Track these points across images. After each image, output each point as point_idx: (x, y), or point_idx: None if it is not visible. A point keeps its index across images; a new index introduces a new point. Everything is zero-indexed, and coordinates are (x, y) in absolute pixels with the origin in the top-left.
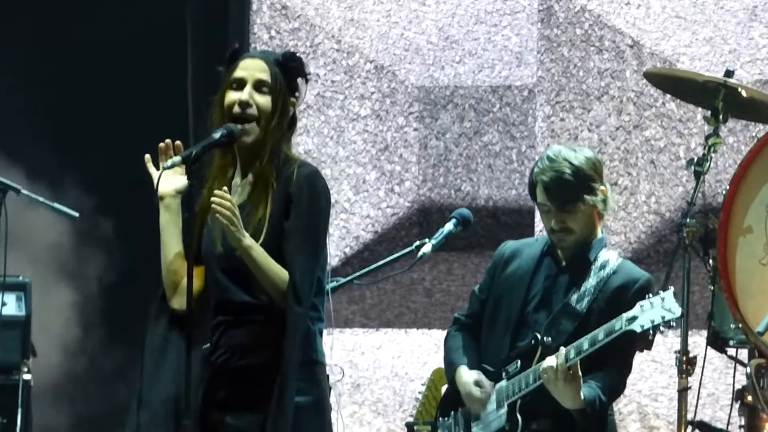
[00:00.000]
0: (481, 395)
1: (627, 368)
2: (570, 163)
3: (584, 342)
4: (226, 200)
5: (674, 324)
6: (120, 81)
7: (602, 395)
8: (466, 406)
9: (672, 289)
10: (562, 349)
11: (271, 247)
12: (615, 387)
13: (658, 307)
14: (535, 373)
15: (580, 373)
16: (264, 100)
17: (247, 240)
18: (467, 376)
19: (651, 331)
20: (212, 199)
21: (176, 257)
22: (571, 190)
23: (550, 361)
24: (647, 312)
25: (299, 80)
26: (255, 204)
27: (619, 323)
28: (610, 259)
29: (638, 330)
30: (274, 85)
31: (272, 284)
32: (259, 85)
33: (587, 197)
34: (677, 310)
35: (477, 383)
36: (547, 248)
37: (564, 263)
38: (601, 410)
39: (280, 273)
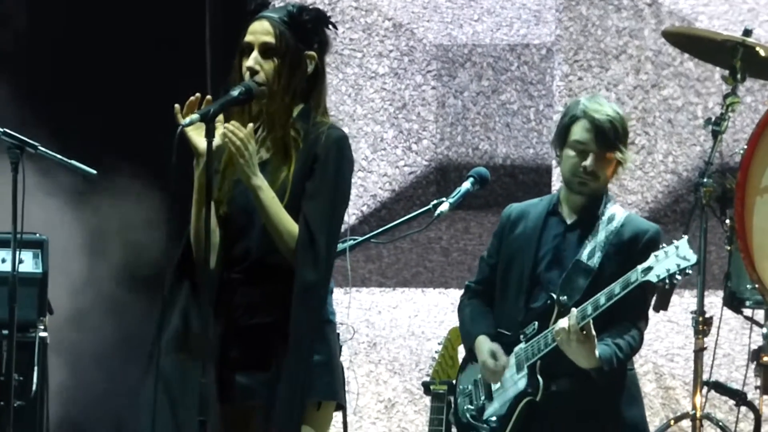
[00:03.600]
0: (495, 367)
1: (644, 323)
2: (615, 111)
3: (600, 297)
4: (240, 131)
5: (690, 271)
6: (138, 40)
7: (619, 352)
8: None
9: (686, 237)
10: (574, 310)
11: (294, 207)
12: (632, 343)
13: (673, 256)
14: (553, 333)
15: (594, 333)
16: (270, 65)
17: (258, 180)
18: (485, 345)
19: (667, 281)
20: (225, 125)
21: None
22: (616, 134)
23: (562, 322)
24: (662, 261)
25: (324, 30)
26: (277, 164)
27: (635, 275)
28: (616, 213)
29: (654, 280)
30: (280, 45)
31: (278, 233)
32: (264, 49)
33: (623, 148)
34: (692, 257)
35: (492, 354)
36: (553, 207)
37: (569, 221)
38: (619, 367)
39: (289, 225)
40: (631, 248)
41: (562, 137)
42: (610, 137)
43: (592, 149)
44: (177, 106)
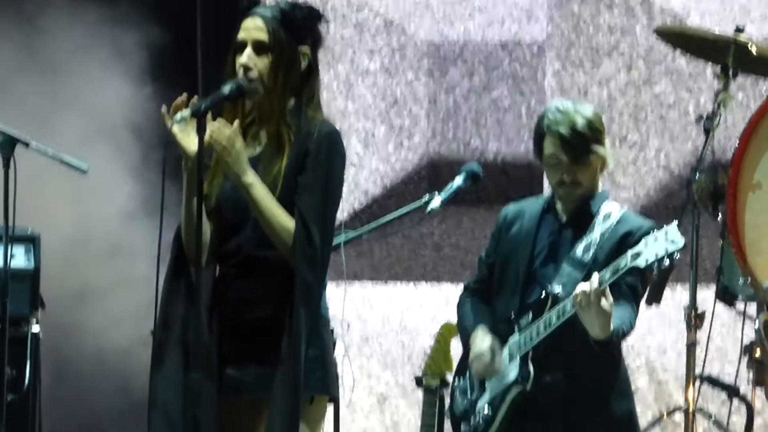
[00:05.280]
0: (490, 362)
1: (638, 308)
2: (581, 115)
3: (606, 272)
4: (226, 129)
5: (678, 256)
6: (129, 41)
7: (623, 327)
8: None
9: (675, 221)
10: (595, 274)
11: (286, 201)
12: (633, 321)
13: (662, 240)
14: (545, 322)
15: (612, 299)
16: (264, 62)
17: (249, 177)
18: (486, 338)
19: (656, 265)
20: (210, 124)
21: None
22: (584, 141)
23: (583, 286)
24: (651, 246)
25: (317, 26)
26: (269, 159)
27: (624, 260)
28: (612, 211)
29: (642, 265)
30: (273, 43)
31: (273, 229)
32: (257, 47)
33: (598, 149)
34: (680, 241)
35: (492, 350)
36: (547, 205)
37: (564, 218)
38: (620, 342)
39: (283, 221)
40: (625, 242)
41: (538, 152)
42: (579, 146)
43: (564, 162)
44: (164, 108)
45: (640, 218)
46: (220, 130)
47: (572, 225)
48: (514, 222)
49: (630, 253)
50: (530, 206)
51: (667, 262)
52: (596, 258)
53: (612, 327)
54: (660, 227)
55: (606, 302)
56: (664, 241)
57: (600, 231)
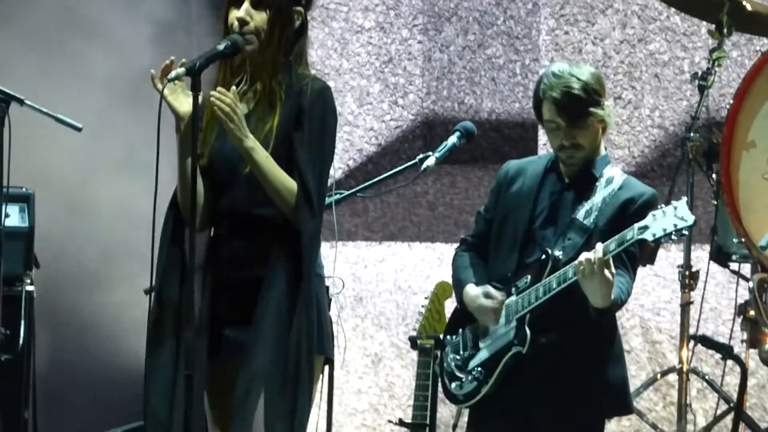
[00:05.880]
0: (493, 305)
1: (635, 274)
2: (577, 78)
3: (611, 243)
4: (227, 96)
5: (686, 232)
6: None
7: (622, 296)
8: (474, 323)
9: (685, 198)
10: (599, 244)
11: (279, 156)
12: (630, 290)
13: (671, 216)
14: (545, 287)
15: (614, 270)
16: (261, 16)
17: (250, 141)
18: (475, 290)
19: (662, 240)
20: (212, 93)
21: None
22: (581, 104)
23: (587, 254)
24: (659, 220)
25: None
26: (261, 115)
27: (631, 233)
28: (615, 175)
29: (650, 239)
30: None
31: (275, 190)
32: (256, 1)
33: (596, 111)
34: (690, 218)
35: (486, 295)
36: (551, 165)
37: (568, 180)
38: (616, 311)
39: (285, 180)
40: (626, 209)
41: (538, 117)
42: (575, 108)
43: (562, 126)
44: (153, 71)
45: (642, 185)
46: (221, 97)
47: (574, 187)
48: (515, 179)
49: (637, 226)
50: (533, 164)
51: (674, 237)
52: (597, 223)
53: (612, 296)
54: (667, 201)
55: (609, 272)
56: (672, 217)
57: (602, 196)
